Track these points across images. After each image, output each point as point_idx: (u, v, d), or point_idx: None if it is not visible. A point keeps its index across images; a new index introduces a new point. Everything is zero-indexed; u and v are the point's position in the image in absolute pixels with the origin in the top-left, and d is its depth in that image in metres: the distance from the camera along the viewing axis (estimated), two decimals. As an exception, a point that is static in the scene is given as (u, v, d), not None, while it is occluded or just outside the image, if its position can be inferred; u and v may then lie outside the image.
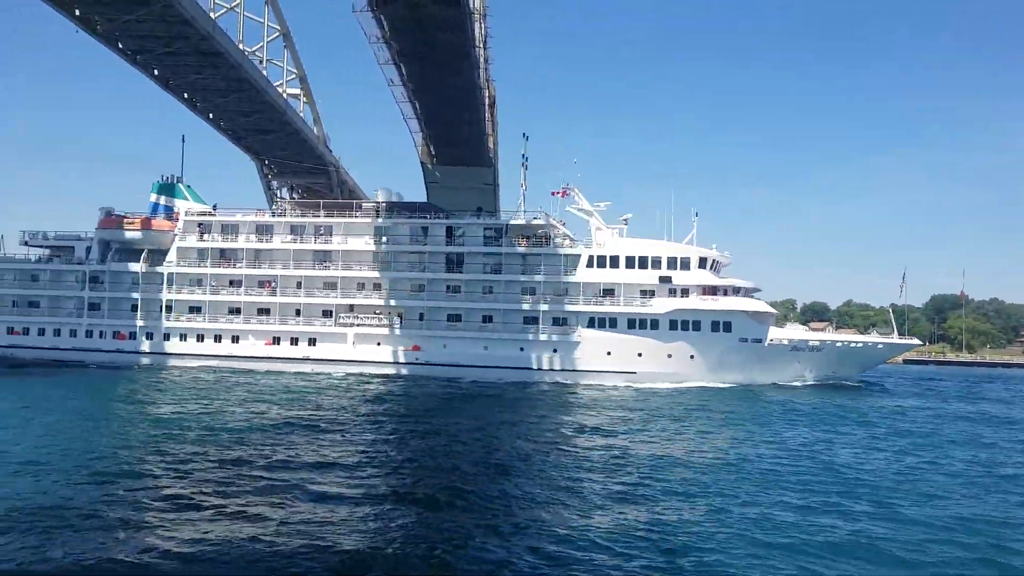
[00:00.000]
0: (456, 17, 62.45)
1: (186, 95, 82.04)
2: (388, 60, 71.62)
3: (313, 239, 77.45)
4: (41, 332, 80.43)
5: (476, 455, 33.09)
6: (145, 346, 78.06)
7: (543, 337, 71.93)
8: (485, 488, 26.43)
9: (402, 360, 73.69)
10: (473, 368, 71.73)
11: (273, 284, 77.27)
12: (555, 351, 71.92)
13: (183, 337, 77.81)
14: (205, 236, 79.47)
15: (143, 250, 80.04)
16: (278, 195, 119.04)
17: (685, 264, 71.04)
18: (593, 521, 22.26)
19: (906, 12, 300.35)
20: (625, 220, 75.32)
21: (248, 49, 79.20)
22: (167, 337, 78.04)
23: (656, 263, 71.24)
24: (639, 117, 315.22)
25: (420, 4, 60.10)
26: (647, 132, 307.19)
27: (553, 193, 76.33)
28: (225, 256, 78.96)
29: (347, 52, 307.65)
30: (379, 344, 74.70)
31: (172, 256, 79.03)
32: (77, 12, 62.35)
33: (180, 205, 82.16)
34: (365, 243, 76.51)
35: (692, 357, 70.18)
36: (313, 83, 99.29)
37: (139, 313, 78.60)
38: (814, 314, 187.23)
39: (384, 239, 76.20)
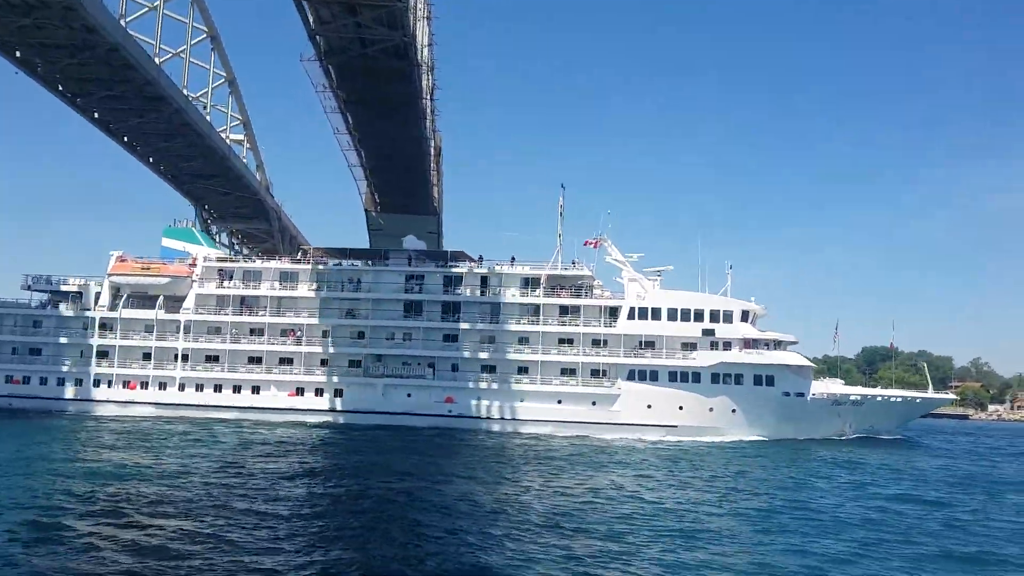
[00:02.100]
0: (404, 69, 63.24)
1: (126, 139, 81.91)
2: (335, 109, 71.49)
3: (342, 287, 75.04)
4: (43, 381, 76.12)
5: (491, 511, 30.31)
6: (157, 396, 74.20)
7: (581, 389, 70.22)
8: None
9: (435, 412, 71.11)
10: (508, 420, 69.69)
11: (298, 333, 74.44)
12: (594, 404, 70.17)
13: (199, 387, 74.24)
14: (226, 283, 76.48)
15: (158, 296, 76.66)
16: (217, 240, 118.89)
17: (728, 317, 70.32)
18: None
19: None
20: (659, 272, 74.47)
21: (192, 95, 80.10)
22: (182, 387, 74.37)
23: (699, 316, 70.37)
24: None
25: (369, 55, 60.44)
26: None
27: (586, 243, 75.30)
28: (246, 304, 75.99)
29: (292, 98, 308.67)
30: (409, 396, 72.15)
31: (190, 303, 75.77)
32: (18, 54, 61.55)
33: (196, 250, 79.27)
34: (394, 292, 74.38)
35: (734, 411, 69.03)
36: (256, 129, 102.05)
37: (152, 362, 74.98)
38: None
39: (416, 288, 74.20)
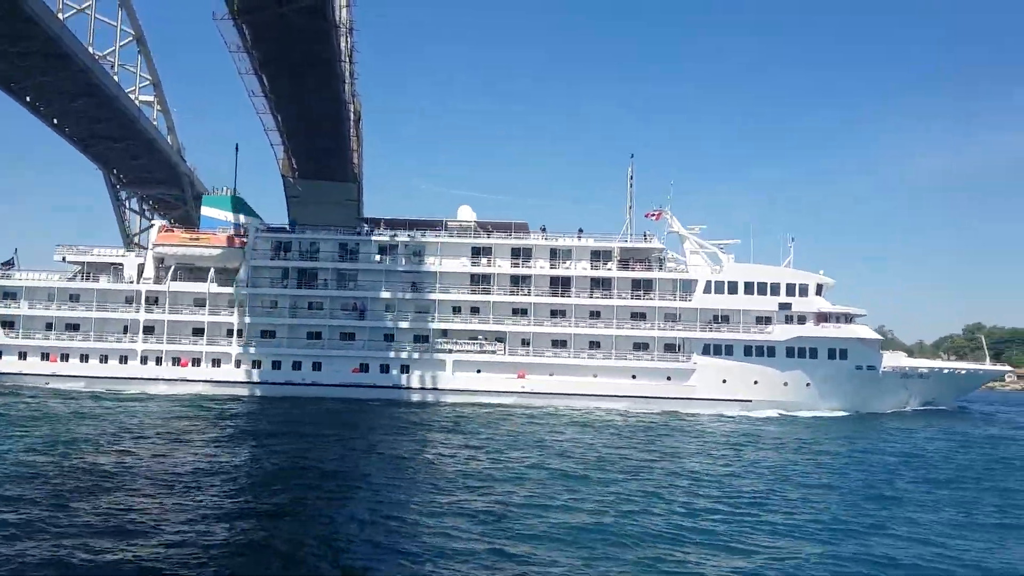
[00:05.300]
0: (321, 29, 60.78)
1: (28, 98, 78.54)
2: (249, 70, 68.72)
3: (404, 260, 72.75)
4: (84, 358, 72.25)
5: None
6: (211, 374, 71.16)
7: (657, 364, 69.58)
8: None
9: (505, 389, 69.71)
10: (582, 397, 68.64)
11: (361, 307, 72.00)
12: (668, 379, 69.65)
13: (256, 364, 71.43)
14: (281, 254, 73.43)
15: (204, 269, 73.22)
16: (127, 206, 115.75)
17: (803, 290, 70.24)
18: None
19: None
20: (723, 245, 73.72)
21: (99, 53, 77.71)
22: (238, 364, 71.45)
23: (775, 289, 70.16)
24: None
25: (284, 14, 58.09)
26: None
27: (647, 215, 74.51)
28: (305, 276, 73.13)
29: (205, 58, 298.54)
30: (479, 371, 70.56)
31: (244, 275, 72.59)
32: None
33: (245, 220, 75.82)
34: (462, 264, 72.39)
35: (807, 385, 69.28)
36: (167, 90, 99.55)
37: (204, 337, 71.78)
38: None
39: (484, 260, 72.29)
